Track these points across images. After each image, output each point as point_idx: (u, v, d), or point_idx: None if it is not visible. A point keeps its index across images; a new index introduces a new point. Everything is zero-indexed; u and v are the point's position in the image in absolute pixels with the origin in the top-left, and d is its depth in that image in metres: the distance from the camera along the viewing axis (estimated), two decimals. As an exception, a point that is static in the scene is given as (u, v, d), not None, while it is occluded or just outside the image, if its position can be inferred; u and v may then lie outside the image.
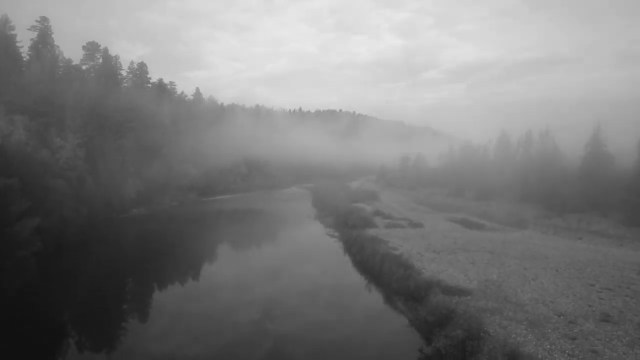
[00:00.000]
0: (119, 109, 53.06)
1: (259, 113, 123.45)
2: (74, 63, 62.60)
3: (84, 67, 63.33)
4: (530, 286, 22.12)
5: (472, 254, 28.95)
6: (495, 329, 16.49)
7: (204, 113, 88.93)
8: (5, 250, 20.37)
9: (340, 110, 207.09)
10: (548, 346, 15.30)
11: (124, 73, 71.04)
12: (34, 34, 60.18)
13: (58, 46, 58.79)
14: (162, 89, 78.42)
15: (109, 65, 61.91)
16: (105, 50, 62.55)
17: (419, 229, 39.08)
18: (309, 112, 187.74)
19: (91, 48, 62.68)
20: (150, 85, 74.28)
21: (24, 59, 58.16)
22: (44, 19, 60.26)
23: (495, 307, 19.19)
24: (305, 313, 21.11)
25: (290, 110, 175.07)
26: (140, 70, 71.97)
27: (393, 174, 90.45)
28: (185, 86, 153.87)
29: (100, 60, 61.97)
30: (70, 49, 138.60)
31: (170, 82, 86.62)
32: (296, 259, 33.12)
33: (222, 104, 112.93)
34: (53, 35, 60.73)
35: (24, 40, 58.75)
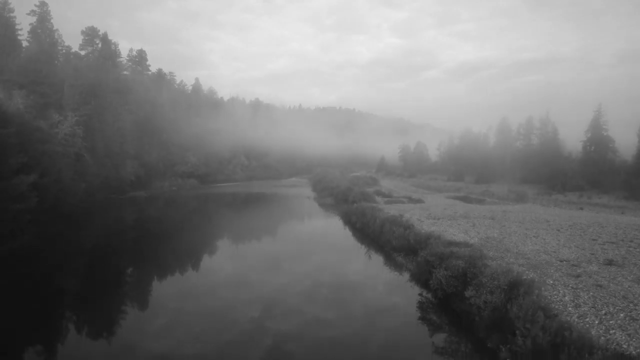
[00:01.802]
0: (117, 90, 52.89)
1: (259, 106, 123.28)
2: (73, 50, 62.67)
3: (82, 53, 63.23)
4: (531, 241, 21.92)
5: (473, 219, 28.73)
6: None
7: (203, 102, 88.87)
8: (3, 203, 20.18)
9: (340, 107, 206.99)
10: (551, 282, 15.06)
11: (123, 61, 71.10)
12: (32, 19, 60.28)
13: (57, 29, 58.57)
14: (161, 78, 78.36)
15: (109, 50, 61.73)
16: (105, 35, 62.39)
17: (419, 204, 38.92)
18: (308, 108, 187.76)
19: (90, 33, 62.43)
20: (149, 72, 74.18)
21: (23, 47, 58.09)
22: (42, 4, 60.01)
23: (497, 255, 18.95)
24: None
25: (290, 107, 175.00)
26: (139, 57, 71.85)
27: (393, 163, 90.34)
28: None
29: (100, 45, 61.77)
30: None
31: (170, 72, 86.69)
32: (295, 230, 33.13)
33: (221, 97, 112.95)
34: (52, 21, 60.80)
35: (23, 24, 58.83)
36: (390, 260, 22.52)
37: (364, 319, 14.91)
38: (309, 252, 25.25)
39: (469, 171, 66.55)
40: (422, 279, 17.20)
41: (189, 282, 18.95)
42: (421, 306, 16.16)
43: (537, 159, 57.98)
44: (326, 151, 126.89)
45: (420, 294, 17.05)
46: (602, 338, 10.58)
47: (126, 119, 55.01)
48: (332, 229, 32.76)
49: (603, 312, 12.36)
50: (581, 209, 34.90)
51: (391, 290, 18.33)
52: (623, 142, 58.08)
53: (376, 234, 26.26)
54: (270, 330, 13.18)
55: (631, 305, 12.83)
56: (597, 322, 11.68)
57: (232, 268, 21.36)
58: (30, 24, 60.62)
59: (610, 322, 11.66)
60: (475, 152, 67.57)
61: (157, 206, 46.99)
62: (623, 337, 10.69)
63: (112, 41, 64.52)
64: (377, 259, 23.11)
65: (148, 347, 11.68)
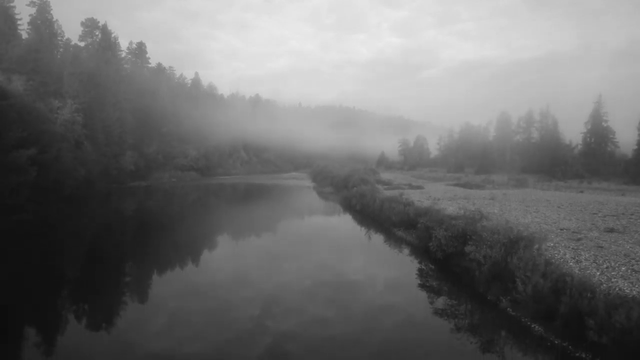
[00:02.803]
0: (117, 81, 52.82)
1: (258, 102, 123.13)
2: (73, 43, 62.57)
3: (82, 44, 63.09)
4: (532, 215, 21.86)
5: (473, 200, 28.64)
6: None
7: (203, 96, 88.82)
8: (2, 176, 20.11)
9: (340, 105, 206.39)
10: (551, 244, 14.99)
11: (122, 54, 70.96)
12: (32, 10, 60.20)
13: (57, 20, 58.51)
14: (161, 71, 78.31)
15: (108, 41, 61.61)
16: (105, 26, 62.28)
17: (420, 190, 38.84)
18: (308, 107, 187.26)
19: (90, 25, 62.30)
20: (149, 65, 74.11)
21: (23, 38, 57.99)
22: (43, -5, 60.05)
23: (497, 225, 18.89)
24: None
25: (289, 105, 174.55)
26: (139, 50, 71.80)
27: (393, 159, 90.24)
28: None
29: (99, 36, 61.66)
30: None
31: (170, 66, 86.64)
32: (294, 215, 33.05)
33: (222, 94, 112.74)
34: (52, 12, 60.72)
35: (22, 15, 58.57)
36: (390, 236, 22.39)
37: (366, 282, 14.82)
38: (306, 234, 25.14)
39: (469, 163, 66.58)
40: (422, 245, 17.13)
41: (188, 273, 17.03)
42: (421, 273, 16.07)
43: (537, 149, 58.00)
44: (326, 148, 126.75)
45: (420, 262, 16.98)
46: (604, 285, 10.50)
47: (126, 109, 54.94)
48: (331, 211, 32.63)
49: (604, 266, 12.30)
50: (581, 192, 34.82)
51: (390, 262, 18.23)
52: (623, 140, 57.97)
53: (376, 213, 26.20)
54: (270, 328, 11.23)
55: (633, 261, 12.75)
56: (598, 273, 11.61)
57: (232, 257, 19.71)
58: (30, 15, 60.70)
59: (612, 273, 11.59)
60: (475, 144, 67.53)
61: (157, 197, 46.78)
62: (625, 284, 10.61)
63: (112, 34, 64.45)
64: (377, 237, 22.97)
65: (145, 345, 10.26)
